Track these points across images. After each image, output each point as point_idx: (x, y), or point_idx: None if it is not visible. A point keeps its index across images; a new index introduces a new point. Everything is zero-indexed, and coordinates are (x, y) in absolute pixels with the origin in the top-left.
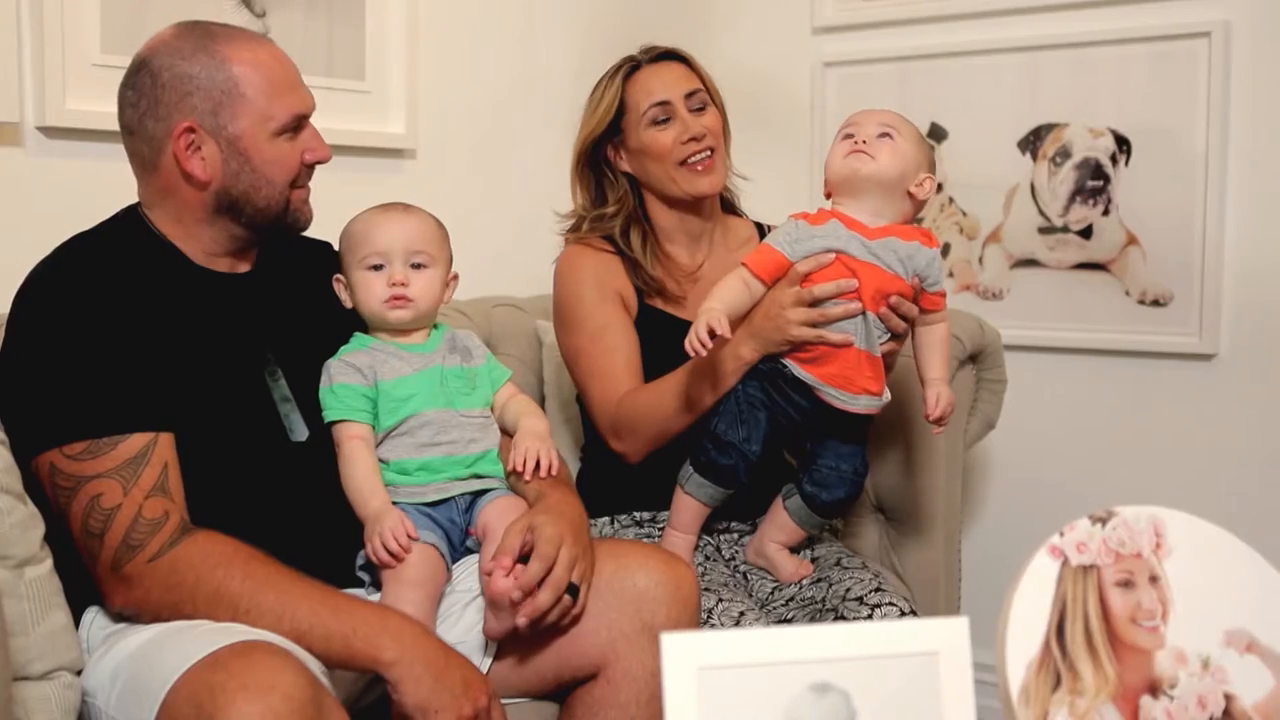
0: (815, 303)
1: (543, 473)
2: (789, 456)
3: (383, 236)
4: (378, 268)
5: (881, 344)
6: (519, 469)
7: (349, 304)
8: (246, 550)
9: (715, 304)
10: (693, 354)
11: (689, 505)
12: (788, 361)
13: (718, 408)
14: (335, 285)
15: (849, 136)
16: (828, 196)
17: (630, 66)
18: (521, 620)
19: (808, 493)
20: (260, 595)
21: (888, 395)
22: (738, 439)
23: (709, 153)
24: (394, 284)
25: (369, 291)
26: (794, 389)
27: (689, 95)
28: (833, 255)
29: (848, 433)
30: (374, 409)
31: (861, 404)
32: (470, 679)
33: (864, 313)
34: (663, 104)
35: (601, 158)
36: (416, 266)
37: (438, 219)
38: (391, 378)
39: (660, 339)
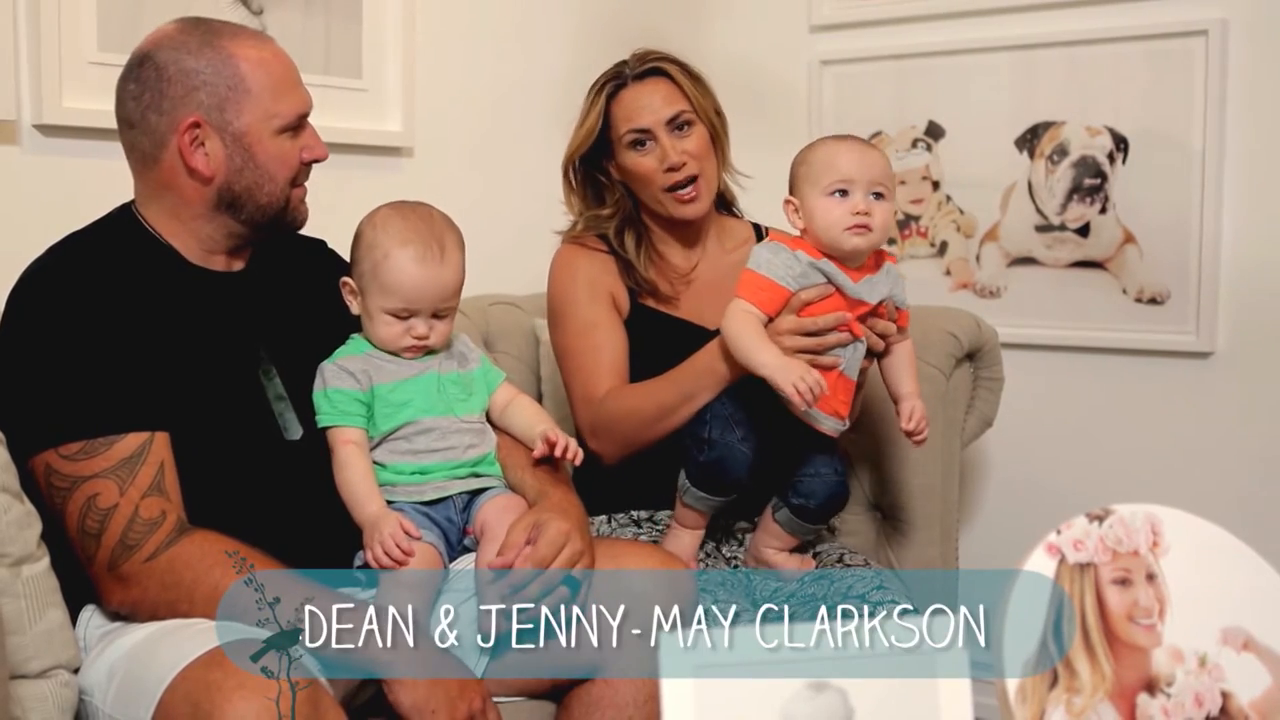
0: (815, 331)
1: (570, 456)
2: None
3: (415, 289)
4: (404, 316)
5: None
6: (549, 440)
7: (356, 310)
8: (244, 549)
9: (769, 353)
10: (804, 406)
11: (690, 512)
12: None
13: (702, 416)
14: (343, 289)
15: (843, 194)
16: (802, 231)
17: (615, 85)
18: (506, 586)
19: (795, 505)
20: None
21: (848, 423)
22: (735, 439)
23: (692, 180)
24: (418, 335)
25: (389, 331)
26: (770, 398)
27: (671, 119)
28: (833, 289)
29: (816, 445)
30: (369, 413)
31: (828, 425)
32: (465, 681)
33: (856, 341)
34: (643, 130)
35: (595, 167)
36: (439, 316)
37: (462, 241)
38: (388, 381)
39: (653, 337)
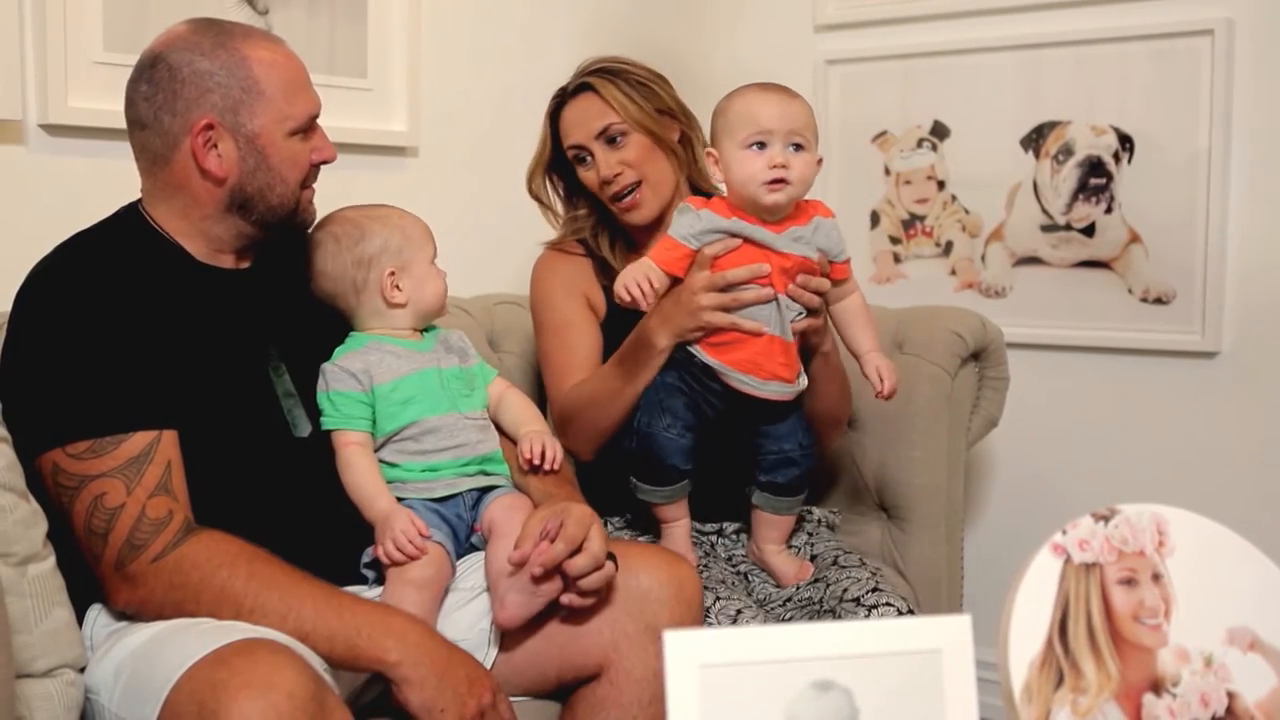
0: (727, 288)
1: (548, 465)
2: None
3: (415, 227)
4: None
5: (795, 322)
6: (529, 455)
7: (397, 301)
8: (251, 550)
9: (626, 268)
10: (628, 298)
11: (658, 507)
12: (695, 348)
13: (637, 404)
14: (387, 279)
15: (761, 146)
16: (717, 187)
17: (557, 103)
18: (535, 567)
19: (764, 482)
20: (264, 595)
21: (803, 381)
22: (660, 427)
23: (631, 188)
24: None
25: (434, 285)
26: (706, 375)
27: (600, 133)
28: (739, 240)
29: (774, 416)
30: (372, 415)
31: (771, 390)
32: (474, 676)
33: (776, 297)
34: (577, 147)
35: (570, 175)
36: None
37: None
38: (388, 379)
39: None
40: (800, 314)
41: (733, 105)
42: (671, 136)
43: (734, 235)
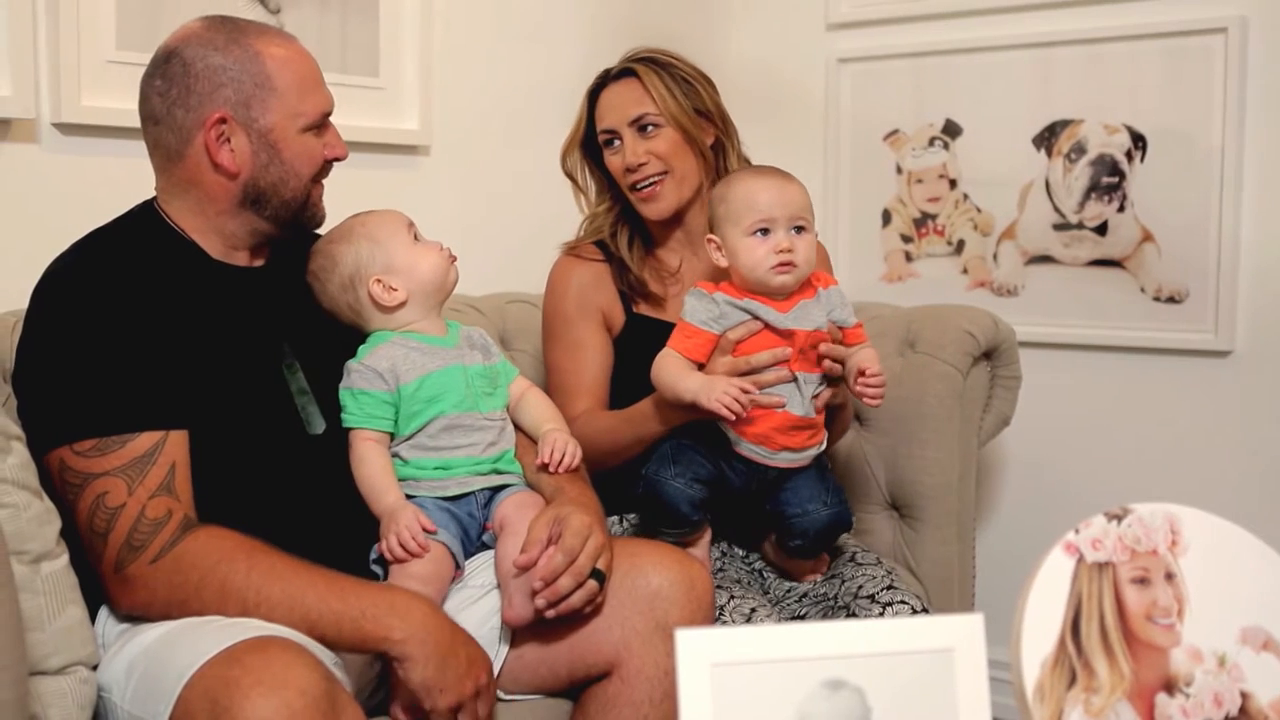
0: (749, 370)
1: (565, 466)
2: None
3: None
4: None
5: (818, 395)
6: (548, 459)
7: (396, 302)
8: (249, 542)
9: (693, 379)
10: (732, 418)
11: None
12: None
13: (647, 452)
14: (375, 287)
15: (764, 232)
16: (727, 269)
17: (598, 85)
18: (540, 603)
19: (794, 546)
20: (266, 586)
21: (821, 447)
22: (667, 476)
23: (654, 179)
24: (443, 249)
25: (426, 260)
26: (720, 440)
27: (634, 120)
28: (760, 325)
29: (798, 478)
30: (394, 415)
31: (781, 459)
32: (474, 657)
33: (795, 376)
34: (608, 131)
35: (599, 164)
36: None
37: None
38: (413, 377)
39: (647, 344)
40: (822, 385)
41: (733, 192)
42: (705, 139)
43: (755, 315)
